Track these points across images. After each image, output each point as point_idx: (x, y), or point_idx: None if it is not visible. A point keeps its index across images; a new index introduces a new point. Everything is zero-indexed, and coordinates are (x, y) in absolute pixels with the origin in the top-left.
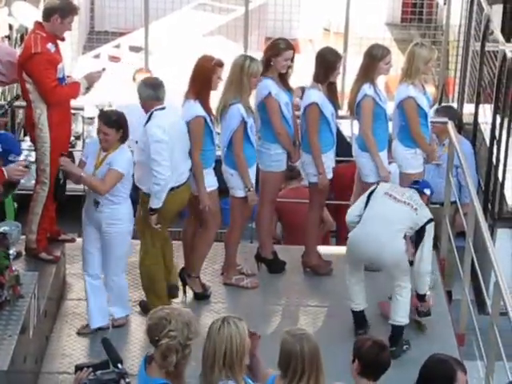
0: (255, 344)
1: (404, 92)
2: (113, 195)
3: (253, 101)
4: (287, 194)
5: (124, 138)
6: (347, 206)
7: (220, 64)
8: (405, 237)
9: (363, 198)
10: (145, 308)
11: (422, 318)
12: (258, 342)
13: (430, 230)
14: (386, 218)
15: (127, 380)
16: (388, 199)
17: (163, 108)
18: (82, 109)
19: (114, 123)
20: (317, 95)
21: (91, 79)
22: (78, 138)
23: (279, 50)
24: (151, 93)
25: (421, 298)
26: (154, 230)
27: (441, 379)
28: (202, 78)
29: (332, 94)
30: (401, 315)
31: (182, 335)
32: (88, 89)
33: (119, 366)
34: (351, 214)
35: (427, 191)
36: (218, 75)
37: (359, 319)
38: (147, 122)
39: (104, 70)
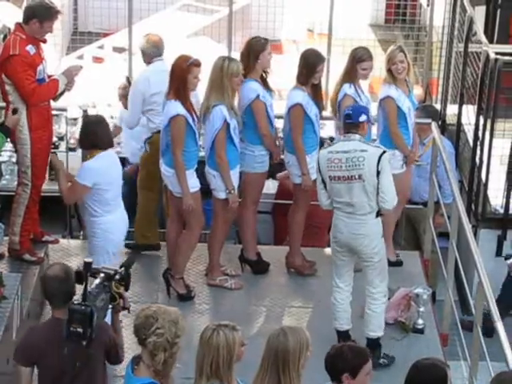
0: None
1: (384, 92)
2: (89, 206)
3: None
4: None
5: (88, 144)
6: None
7: (196, 64)
8: (377, 214)
9: (319, 184)
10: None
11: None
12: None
13: (383, 163)
14: (345, 204)
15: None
16: (336, 184)
17: (161, 59)
18: (65, 109)
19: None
20: (301, 96)
21: (70, 75)
22: (61, 138)
23: (262, 44)
24: (155, 50)
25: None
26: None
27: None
28: (178, 77)
29: (316, 95)
30: (372, 329)
31: (170, 333)
32: (68, 85)
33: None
34: (321, 203)
35: (363, 118)
36: (195, 75)
37: (343, 338)
38: None
39: (81, 67)
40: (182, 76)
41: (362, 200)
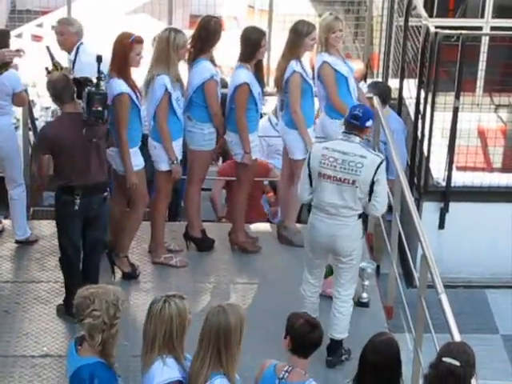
0: None
1: (319, 60)
2: None
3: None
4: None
5: None
6: None
7: (138, 40)
8: (360, 216)
9: (305, 178)
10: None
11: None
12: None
13: (381, 173)
14: (330, 206)
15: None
16: (325, 183)
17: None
18: None
19: None
20: (246, 75)
21: (1, 56)
22: None
23: (220, 25)
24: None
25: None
26: None
27: (394, 359)
28: (120, 55)
29: (259, 72)
30: (339, 331)
31: (107, 314)
32: (3, 67)
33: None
34: (302, 197)
35: (369, 123)
36: (137, 52)
37: None
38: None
39: (21, 53)
40: (124, 53)
41: (348, 204)
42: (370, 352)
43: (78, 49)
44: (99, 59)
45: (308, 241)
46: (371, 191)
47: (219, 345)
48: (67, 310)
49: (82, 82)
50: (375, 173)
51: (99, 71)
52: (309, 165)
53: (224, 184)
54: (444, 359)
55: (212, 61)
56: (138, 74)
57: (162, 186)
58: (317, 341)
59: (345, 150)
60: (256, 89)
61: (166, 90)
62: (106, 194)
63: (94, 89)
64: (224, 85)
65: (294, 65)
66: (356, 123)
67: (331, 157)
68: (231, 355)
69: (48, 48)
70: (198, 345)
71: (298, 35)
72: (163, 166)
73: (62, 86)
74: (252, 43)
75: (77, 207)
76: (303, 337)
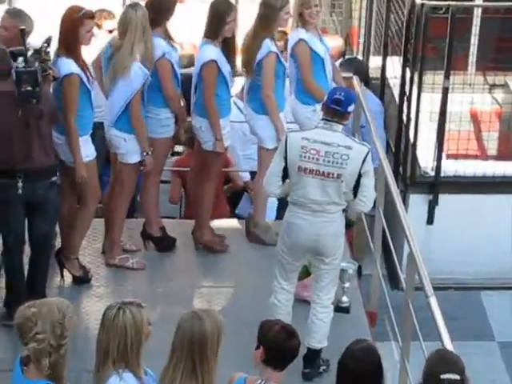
0: None
1: (294, 36)
2: None
3: None
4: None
5: None
6: None
7: (89, 16)
8: (344, 210)
9: (277, 170)
10: None
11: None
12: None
13: (368, 165)
14: (314, 202)
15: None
16: (306, 178)
17: None
18: None
19: None
20: (213, 51)
21: None
22: None
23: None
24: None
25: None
26: None
27: (375, 367)
28: (69, 31)
29: (229, 51)
30: (318, 340)
31: (53, 336)
32: None
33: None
34: (270, 190)
35: (351, 108)
36: (88, 28)
37: None
38: None
39: None
40: (73, 29)
41: (334, 200)
42: (349, 360)
43: None
44: (23, 33)
45: (284, 242)
46: (357, 185)
47: (193, 355)
48: (8, 316)
49: (18, 55)
50: (362, 164)
51: (25, 45)
52: (286, 158)
53: (181, 182)
54: (443, 377)
55: (168, 36)
56: (89, 54)
57: (126, 180)
58: (294, 350)
59: (327, 140)
60: (225, 67)
61: (148, 78)
62: (54, 178)
63: (21, 66)
64: (192, 63)
65: (269, 44)
66: (338, 109)
67: (312, 149)
68: (207, 367)
69: None
70: (170, 356)
71: (272, 9)
72: (134, 158)
73: None
74: (217, 17)
75: (20, 191)
76: (279, 346)
